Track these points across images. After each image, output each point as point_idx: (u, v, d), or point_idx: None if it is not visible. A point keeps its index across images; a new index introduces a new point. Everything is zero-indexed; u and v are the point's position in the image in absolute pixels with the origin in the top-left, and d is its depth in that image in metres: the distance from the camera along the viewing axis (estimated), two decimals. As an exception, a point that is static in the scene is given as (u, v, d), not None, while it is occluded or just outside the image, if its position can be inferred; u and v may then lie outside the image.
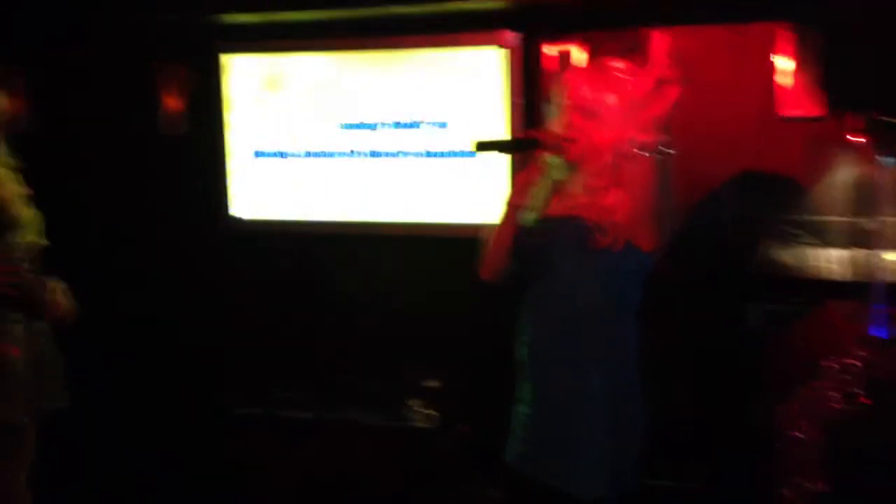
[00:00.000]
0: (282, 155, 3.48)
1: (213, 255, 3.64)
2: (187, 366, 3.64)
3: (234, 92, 3.52)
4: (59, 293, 2.37)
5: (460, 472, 3.18)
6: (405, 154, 3.33)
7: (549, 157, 1.99)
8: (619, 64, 2.01)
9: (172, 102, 3.59)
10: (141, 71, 3.60)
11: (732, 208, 3.02)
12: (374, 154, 3.37)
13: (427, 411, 3.21)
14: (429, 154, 3.30)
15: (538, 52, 3.15)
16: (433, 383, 3.25)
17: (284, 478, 3.27)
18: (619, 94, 1.95)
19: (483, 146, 2.09)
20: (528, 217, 2.04)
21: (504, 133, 3.14)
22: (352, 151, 3.39)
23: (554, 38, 3.14)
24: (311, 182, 3.46)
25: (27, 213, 2.38)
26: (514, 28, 3.16)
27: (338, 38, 3.40)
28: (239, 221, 3.58)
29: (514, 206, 2.03)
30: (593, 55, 3.12)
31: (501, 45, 3.14)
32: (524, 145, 2.11)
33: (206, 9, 3.36)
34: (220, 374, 3.58)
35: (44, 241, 2.42)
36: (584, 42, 3.11)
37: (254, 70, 3.49)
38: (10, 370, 2.29)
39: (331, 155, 3.42)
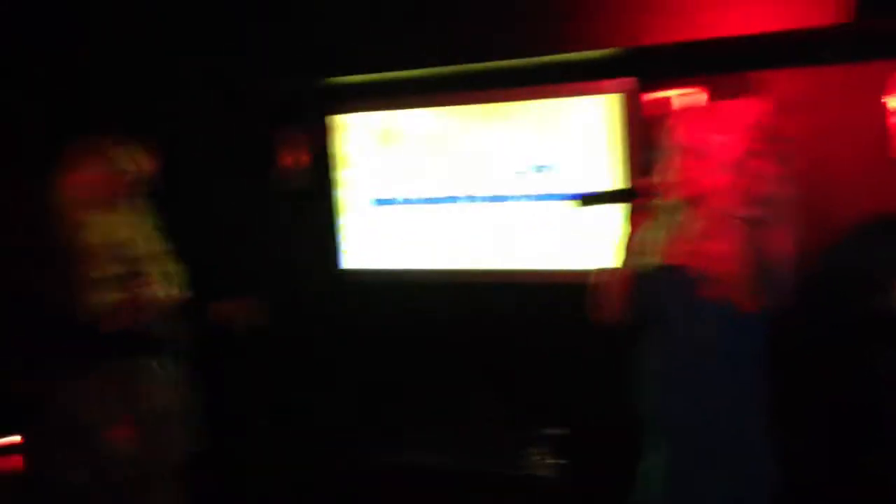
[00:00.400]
0: (395, 203, 3.56)
1: (332, 305, 3.72)
2: (312, 414, 3.70)
3: (349, 147, 3.64)
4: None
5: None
6: (516, 199, 3.36)
7: (659, 202, 1.97)
8: (732, 107, 1.98)
9: (290, 161, 3.73)
10: (261, 132, 3.76)
11: (862, 253, 2.93)
12: (488, 199, 3.41)
13: (550, 460, 3.15)
14: (540, 197, 3.32)
15: (648, 98, 3.15)
16: (559, 431, 3.20)
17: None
18: (730, 137, 1.90)
19: (588, 200, 2.07)
20: (645, 262, 2.01)
21: (615, 180, 3.14)
22: (464, 198, 3.44)
23: (664, 84, 3.14)
24: (426, 232, 3.52)
25: (171, 267, 2.52)
26: (623, 74, 3.17)
27: (447, 94, 3.48)
28: (352, 273, 3.65)
29: (628, 251, 2.02)
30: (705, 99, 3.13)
31: (611, 92, 3.16)
32: (629, 195, 2.08)
33: (319, 73, 3.51)
34: (345, 424, 3.63)
35: (185, 293, 2.54)
36: (695, 86, 3.11)
37: (368, 126, 3.61)
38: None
39: (443, 202, 3.48)
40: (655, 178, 1.98)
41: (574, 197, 2.14)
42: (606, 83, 3.18)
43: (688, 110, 2.05)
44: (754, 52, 3.00)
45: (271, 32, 3.44)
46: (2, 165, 4.05)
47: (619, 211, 2.99)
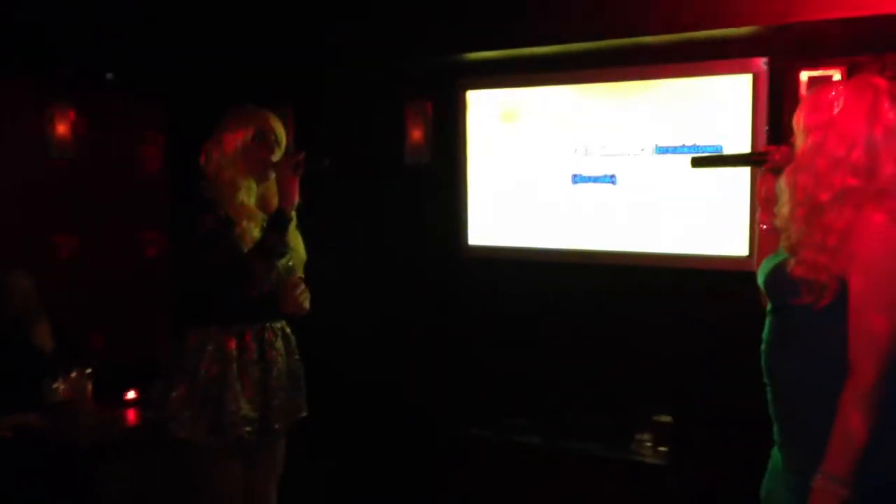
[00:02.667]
0: (521, 182, 3.57)
1: (451, 281, 3.80)
2: (421, 387, 3.81)
3: (472, 125, 3.68)
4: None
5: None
6: (643, 179, 3.30)
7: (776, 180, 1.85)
8: (872, 86, 1.75)
9: (418, 135, 3.82)
10: (390, 107, 3.87)
11: None
12: (609, 180, 3.36)
13: (657, 447, 3.12)
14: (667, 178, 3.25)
15: (790, 79, 3.01)
16: (665, 418, 3.15)
17: (508, 498, 3.32)
18: (852, 121, 1.72)
19: (699, 161, 2.01)
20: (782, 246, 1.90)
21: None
22: (587, 178, 3.41)
23: (808, 64, 2.99)
24: (549, 211, 3.52)
25: (298, 237, 2.64)
26: (762, 54, 3.04)
27: (581, 70, 3.44)
28: (475, 248, 3.71)
29: (758, 223, 1.95)
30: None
31: (749, 72, 3.03)
32: (743, 160, 2.04)
33: (451, 49, 3.55)
34: (456, 397, 3.71)
35: (304, 259, 2.66)
36: (834, 66, 2.94)
37: (492, 104, 3.63)
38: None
39: (567, 182, 3.46)
40: (773, 149, 1.87)
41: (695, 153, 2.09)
42: (738, 62, 3.05)
43: (817, 90, 1.87)
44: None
45: (404, 7, 3.51)
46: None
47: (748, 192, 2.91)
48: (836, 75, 2.93)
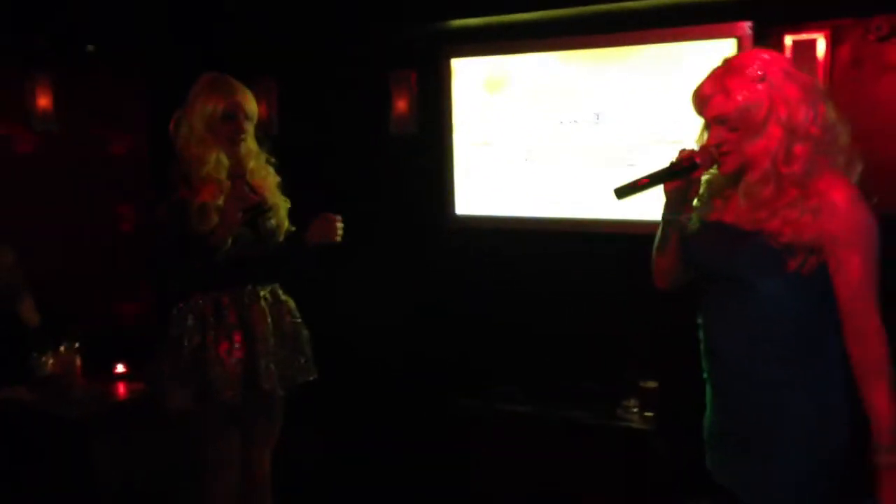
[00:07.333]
0: (505, 150, 3.55)
1: (437, 250, 3.80)
2: (408, 357, 3.83)
3: (457, 94, 3.65)
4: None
5: (673, 478, 3.09)
6: (629, 147, 3.28)
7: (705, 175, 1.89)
8: (763, 60, 1.77)
9: (402, 106, 3.79)
10: (374, 77, 3.84)
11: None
12: (594, 149, 3.35)
13: (644, 413, 3.15)
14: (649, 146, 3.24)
15: (774, 43, 2.99)
16: (651, 384, 3.18)
17: (497, 467, 3.35)
18: (764, 95, 1.74)
19: (624, 191, 1.91)
20: (693, 222, 1.94)
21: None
22: (571, 147, 3.40)
23: (792, 28, 2.98)
24: (532, 180, 3.51)
25: (281, 200, 2.65)
26: (746, 18, 3.02)
27: (566, 37, 3.40)
28: (461, 218, 3.70)
29: (675, 220, 1.96)
30: (837, 46, 2.94)
31: (734, 36, 3.01)
32: (670, 174, 1.87)
33: (434, 17, 3.52)
34: (444, 367, 3.73)
35: (287, 224, 2.68)
36: (826, 31, 2.93)
37: (476, 73, 3.61)
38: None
39: (554, 150, 3.44)
40: (699, 152, 1.84)
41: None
42: (723, 27, 3.03)
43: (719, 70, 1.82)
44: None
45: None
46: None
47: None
48: (821, 39, 2.92)
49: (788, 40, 2.96)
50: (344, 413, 3.83)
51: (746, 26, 3.00)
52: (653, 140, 3.21)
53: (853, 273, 1.72)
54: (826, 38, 2.92)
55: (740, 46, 2.99)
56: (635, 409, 3.17)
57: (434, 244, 3.80)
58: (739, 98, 1.75)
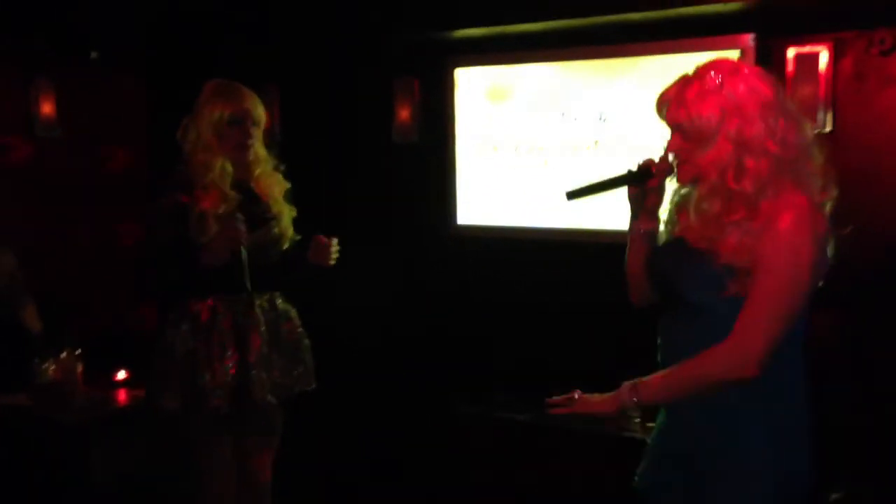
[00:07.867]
0: (510, 159, 3.55)
1: (439, 259, 3.80)
2: (408, 364, 3.83)
3: (460, 103, 3.66)
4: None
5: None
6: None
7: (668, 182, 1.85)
8: (725, 70, 1.69)
9: (405, 114, 3.80)
10: (377, 86, 3.85)
11: None
12: (597, 159, 3.35)
13: (645, 423, 3.14)
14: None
15: (777, 55, 3.00)
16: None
17: (496, 475, 3.35)
18: (717, 106, 1.66)
19: (575, 193, 1.88)
20: (662, 236, 1.90)
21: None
22: (574, 157, 3.40)
23: (795, 40, 2.99)
24: (534, 190, 3.52)
25: (286, 208, 2.65)
26: (749, 30, 3.03)
27: (569, 48, 3.42)
28: (463, 228, 3.71)
29: (637, 231, 1.92)
30: (839, 59, 2.95)
31: (737, 48, 3.02)
32: (625, 180, 1.85)
33: (438, 26, 3.53)
34: (444, 374, 3.73)
35: (292, 232, 2.68)
36: (829, 43, 2.94)
37: (479, 82, 3.62)
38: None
39: (556, 160, 3.45)
40: (658, 161, 1.84)
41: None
42: (726, 39, 3.04)
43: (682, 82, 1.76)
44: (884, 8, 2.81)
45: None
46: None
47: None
48: (824, 52, 2.93)
49: (791, 53, 2.98)
50: (343, 420, 3.82)
51: (749, 39, 3.02)
52: (657, 151, 3.21)
53: (758, 292, 1.63)
54: (829, 50, 2.93)
55: (743, 59, 3.00)
56: (637, 419, 3.17)
57: (436, 253, 3.81)
58: (691, 106, 1.69)
